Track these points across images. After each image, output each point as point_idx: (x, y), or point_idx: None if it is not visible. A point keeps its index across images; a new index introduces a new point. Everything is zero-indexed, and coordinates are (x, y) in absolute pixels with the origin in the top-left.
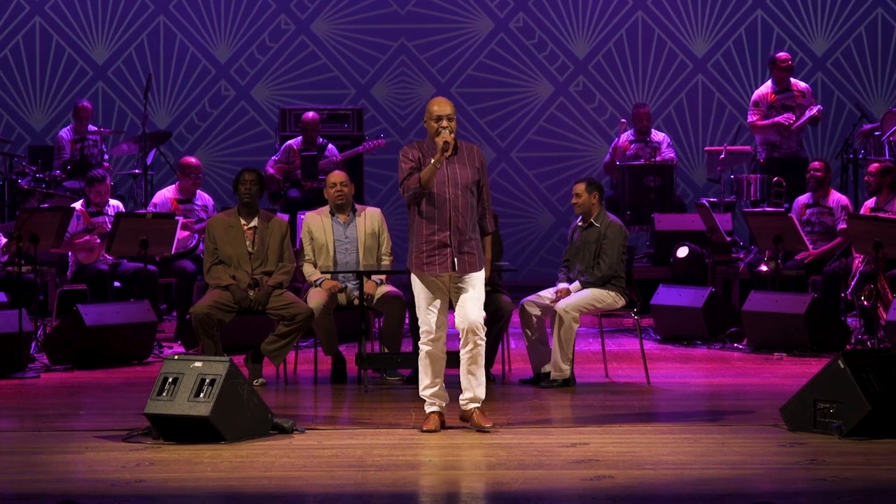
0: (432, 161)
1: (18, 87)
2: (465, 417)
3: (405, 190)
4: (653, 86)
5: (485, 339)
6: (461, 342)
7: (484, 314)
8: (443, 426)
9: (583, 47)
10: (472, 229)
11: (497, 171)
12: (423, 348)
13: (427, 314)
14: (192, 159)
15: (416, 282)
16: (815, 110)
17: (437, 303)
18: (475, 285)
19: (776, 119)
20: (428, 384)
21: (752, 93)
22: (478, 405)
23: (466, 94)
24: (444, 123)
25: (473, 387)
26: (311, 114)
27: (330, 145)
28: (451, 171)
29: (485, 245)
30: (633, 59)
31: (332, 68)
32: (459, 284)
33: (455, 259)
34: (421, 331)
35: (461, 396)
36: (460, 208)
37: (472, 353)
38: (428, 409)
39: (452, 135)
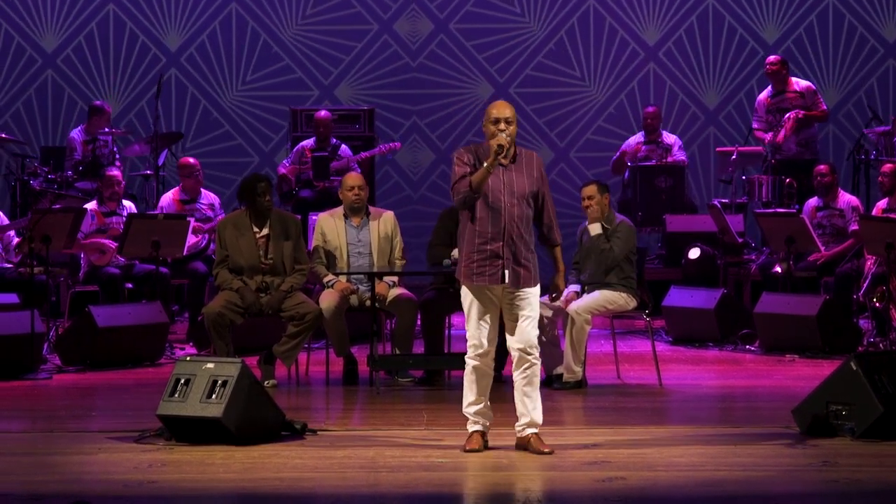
0: (485, 164)
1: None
2: (523, 445)
3: (456, 193)
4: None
5: (539, 359)
6: (514, 363)
7: (537, 331)
8: (486, 447)
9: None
10: (529, 242)
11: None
12: (471, 363)
13: (477, 328)
14: (190, 159)
15: (466, 293)
16: (791, 114)
17: (488, 316)
18: (531, 303)
19: (758, 134)
20: (472, 401)
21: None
22: (535, 430)
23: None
24: (502, 126)
25: (529, 410)
26: (323, 112)
27: (343, 146)
28: (508, 178)
29: (556, 256)
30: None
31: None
32: (514, 301)
33: (508, 272)
34: (469, 344)
35: (517, 423)
36: (516, 218)
37: (528, 374)
38: (471, 427)
39: (510, 139)
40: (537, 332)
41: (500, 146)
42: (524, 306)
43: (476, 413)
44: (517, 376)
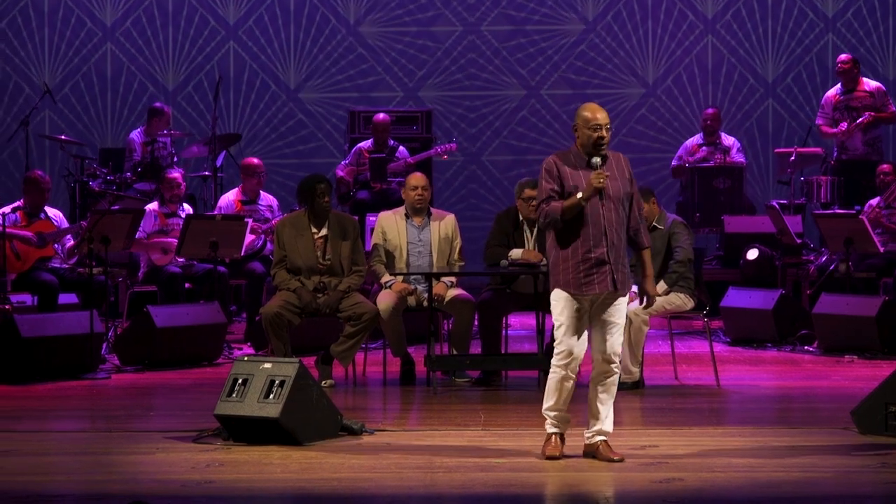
0: (579, 196)
1: None
2: (591, 452)
3: (543, 215)
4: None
5: (620, 367)
6: (595, 370)
7: (623, 338)
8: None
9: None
10: (625, 245)
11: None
12: (559, 371)
13: (568, 335)
14: (255, 160)
15: (560, 300)
16: (863, 119)
17: (581, 324)
18: (621, 310)
19: (824, 129)
20: (553, 405)
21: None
22: (605, 438)
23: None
24: (604, 133)
25: (602, 418)
26: (382, 115)
27: (401, 147)
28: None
29: (645, 260)
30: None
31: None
32: (606, 307)
33: (614, 277)
34: (558, 351)
35: (587, 430)
36: (615, 223)
37: (607, 383)
38: (550, 429)
39: (605, 149)
40: (622, 340)
41: (598, 188)
42: (614, 313)
43: (556, 417)
44: (596, 383)
